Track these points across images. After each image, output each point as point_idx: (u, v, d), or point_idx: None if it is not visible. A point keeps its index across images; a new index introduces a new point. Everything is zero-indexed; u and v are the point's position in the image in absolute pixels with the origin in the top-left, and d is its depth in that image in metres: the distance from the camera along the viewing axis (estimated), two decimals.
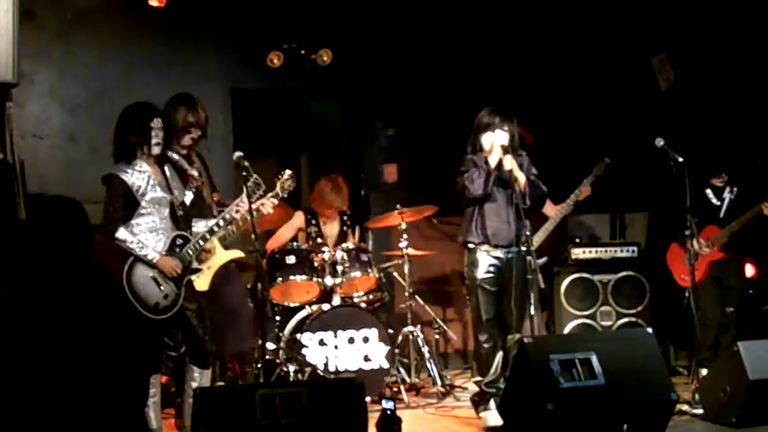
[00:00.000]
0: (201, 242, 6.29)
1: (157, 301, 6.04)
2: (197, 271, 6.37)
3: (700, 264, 7.79)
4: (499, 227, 6.89)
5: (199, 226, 6.43)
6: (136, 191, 6.01)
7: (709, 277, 7.98)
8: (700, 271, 7.70)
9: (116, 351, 4.06)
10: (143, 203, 6.03)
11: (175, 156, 6.76)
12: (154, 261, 6.04)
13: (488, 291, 6.90)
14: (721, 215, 8.06)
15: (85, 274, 4.20)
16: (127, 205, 6.03)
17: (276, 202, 6.87)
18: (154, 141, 6.13)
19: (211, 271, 6.72)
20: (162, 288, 6.06)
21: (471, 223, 6.97)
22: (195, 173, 6.78)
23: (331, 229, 8.60)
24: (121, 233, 5.96)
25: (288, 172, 6.96)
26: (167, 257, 6.11)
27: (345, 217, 8.67)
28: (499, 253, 6.90)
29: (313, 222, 8.57)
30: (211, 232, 6.36)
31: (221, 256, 6.83)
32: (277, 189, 6.90)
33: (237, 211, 6.47)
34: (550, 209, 8.39)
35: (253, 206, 6.41)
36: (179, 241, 6.21)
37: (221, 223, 6.40)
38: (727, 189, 8.11)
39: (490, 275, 6.91)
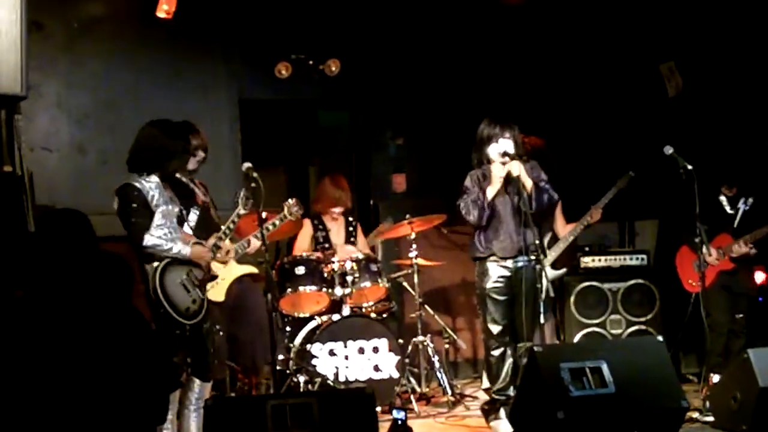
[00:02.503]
0: (214, 249, 6.33)
1: (187, 306, 6.06)
2: (215, 277, 6.48)
3: (710, 271, 7.76)
4: (505, 240, 6.95)
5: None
6: (151, 201, 6.03)
7: (718, 284, 7.96)
8: (709, 278, 7.67)
9: (130, 364, 4.06)
10: (158, 214, 6.04)
11: (183, 178, 6.79)
12: (188, 254, 6.09)
13: (497, 300, 6.94)
14: (735, 225, 8.03)
15: (93, 287, 4.21)
16: (146, 214, 6.05)
17: (273, 228, 6.94)
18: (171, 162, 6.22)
19: (225, 282, 6.76)
20: (190, 293, 6.09)
21: (478, 238, 7.05)
22: (200, 193, 6.83)
23: (338, 235, 8.59)
24: (149, 239, 5.95)
25: (294, 199, 7.13)
26: (196, 245, 6.19)
27: (350, 218, 8.67)
28: (508, 263, 6.94)
29: (320, 227, 8.56)
30: (219, 239, 6.39)
31: (235, 269, 6.87)
32: (285, 212, 7.04)
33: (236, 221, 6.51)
34: (561, 229, 8.37)
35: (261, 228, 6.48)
36: None
37: (228, 231, 6.43)
38: (742, 199, 8.07)
39: (500, 284, 6.95)
